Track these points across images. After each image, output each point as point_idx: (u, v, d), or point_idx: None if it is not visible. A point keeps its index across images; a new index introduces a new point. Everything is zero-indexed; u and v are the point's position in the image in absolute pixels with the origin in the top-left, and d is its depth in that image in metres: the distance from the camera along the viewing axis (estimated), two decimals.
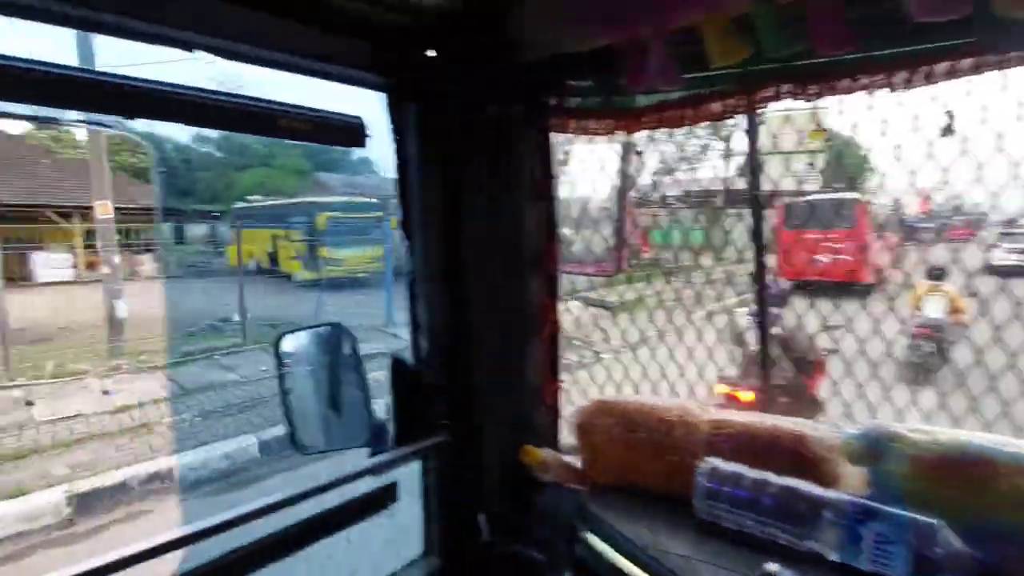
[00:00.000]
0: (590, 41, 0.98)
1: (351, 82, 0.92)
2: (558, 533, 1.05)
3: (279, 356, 1.04)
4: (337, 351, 1.05)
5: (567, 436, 1.31)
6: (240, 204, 21.38)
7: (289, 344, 1.05)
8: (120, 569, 0.70)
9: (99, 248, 8.70)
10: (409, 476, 1.11)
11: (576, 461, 1.23)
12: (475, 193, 1.04)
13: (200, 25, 0.72)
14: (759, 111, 1.14)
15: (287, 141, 0.91)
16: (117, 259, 8.65)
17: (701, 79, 0.95)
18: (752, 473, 0.87)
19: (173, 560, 0.80)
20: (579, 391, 1.38)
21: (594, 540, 0.91)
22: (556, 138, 1.20)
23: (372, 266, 14.63)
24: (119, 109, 0.66)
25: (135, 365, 7.84)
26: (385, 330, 9.09)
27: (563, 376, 1.30)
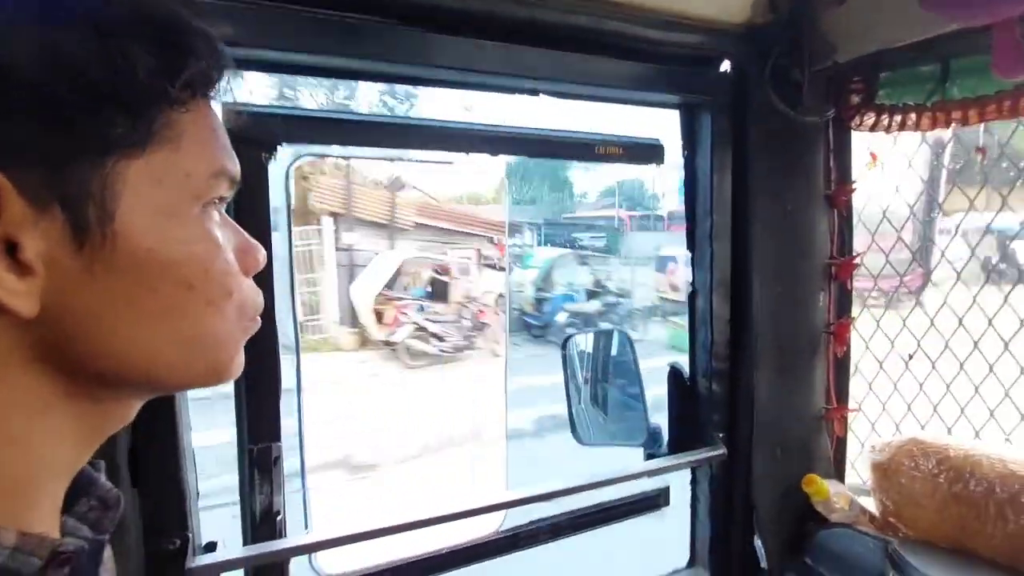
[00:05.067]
0: (917, 30, 0.87)
1: (649, 104, 0.98)
2: None
3: (565, 355, 1.16)
4: (616, 354, 1.13)
5: (858, 472, 1.17)
6: None
7: (574, 344, 1.16)
8: (430, 525, 0.82)
9: None
10: (678, 482, 1.12)
11: (870, 503, 1.09)
12: (766, 203, 1.00)
13: (538, 72, 0.85)
14: None
15: None
16: None
17: None
18: None
19: (466, 526, 0.93)
20: (869, 420, 1.22)
21: None
22: (857, 140, 1.08)
23: None
24: (487, 150, 0.82)
25: None
26: None
27: (852, 403, 1.16)
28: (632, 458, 1.14)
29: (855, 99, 1.02)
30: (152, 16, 0.33)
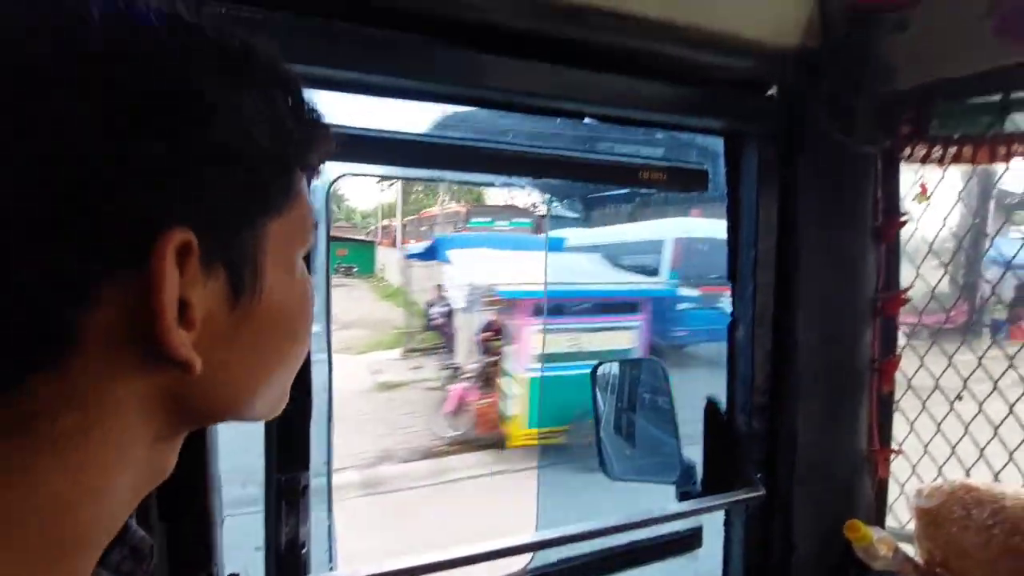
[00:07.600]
0: (984, 58, 0.84)
1: (694, 129, 0.96)
2: None
3: (594, 384, 1.12)
4: (649, 385, 1.09)
5: (899, 517, 1.12)
6: None
7: (605, 373, 1.12)
8: (458, 566, 0.77)
9: None
10: (712, 522, 1.07)
11: (913, 550, 1.03)
12: (812, 235, 0.97)
13: (585, 95, 0.83)
14: None
15: None
16: None
17: None
18: None
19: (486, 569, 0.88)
20: (913, 463, 1.17)
21: None
22: (908, 171, 1.05)
23: None
24: (529, 172, 0.80)
25: None
26: None
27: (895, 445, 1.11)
28: (658, 493, 1.10)
29: (906, 129, 0.98)
30: (287, 76, 0.33)
